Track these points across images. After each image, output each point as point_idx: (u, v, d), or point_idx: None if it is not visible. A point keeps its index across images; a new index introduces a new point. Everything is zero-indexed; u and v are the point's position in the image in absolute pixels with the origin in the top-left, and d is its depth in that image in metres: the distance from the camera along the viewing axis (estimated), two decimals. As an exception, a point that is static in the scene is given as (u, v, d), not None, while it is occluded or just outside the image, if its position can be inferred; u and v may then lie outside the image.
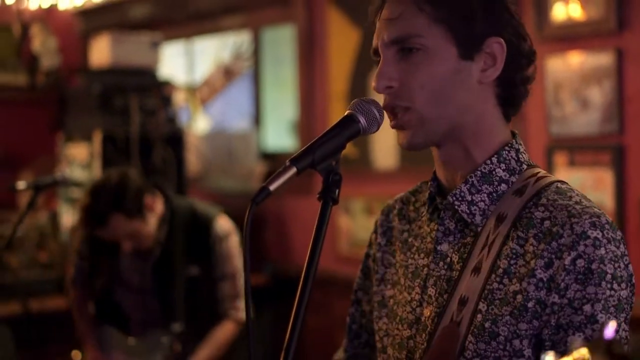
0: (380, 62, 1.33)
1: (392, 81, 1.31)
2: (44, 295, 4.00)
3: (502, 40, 1.31)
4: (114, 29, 4.81)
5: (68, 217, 4.34)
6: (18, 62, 5.18)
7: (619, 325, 1.22)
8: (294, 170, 1.17)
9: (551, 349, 1.22)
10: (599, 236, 1.22)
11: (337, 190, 1.19)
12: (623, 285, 1.23)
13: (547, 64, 3.31)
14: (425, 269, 1.39)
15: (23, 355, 3.35)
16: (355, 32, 4.18)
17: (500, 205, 1.32)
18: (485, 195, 1.33)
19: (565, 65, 3.26)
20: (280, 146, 5.04)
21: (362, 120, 1.26)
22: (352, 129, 1.25)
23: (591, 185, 3.19)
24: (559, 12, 3.27)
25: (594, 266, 1.21)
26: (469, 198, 1.33)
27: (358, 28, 4.17)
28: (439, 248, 1.37)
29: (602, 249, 1.21)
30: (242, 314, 3.08)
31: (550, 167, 3.29)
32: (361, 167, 4.16)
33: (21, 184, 2.83)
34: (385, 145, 4.04)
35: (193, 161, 4.87)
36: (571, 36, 3.25)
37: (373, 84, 1.33)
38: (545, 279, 1.23)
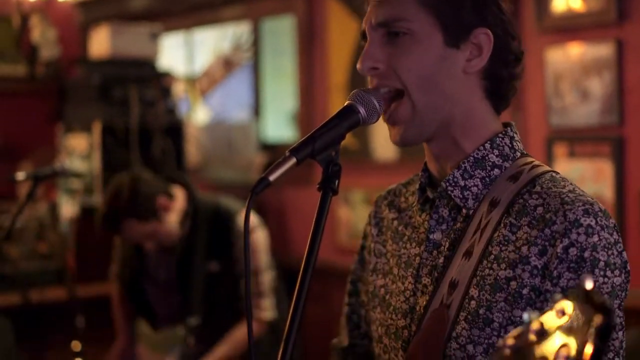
0: (367, 43, 1.34)
1: (378, 62, 1.32)
2: (44, 286, 3.99)
3: (489, 31, 1.32)
4: (114, 19, 4.80)
5: (67, 208, 4.34)
6: (17, 53, 5.16)
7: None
8: (293, 160, 1.17)
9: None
10: (592, 223, 1.22)
11: (336, 181, 1.20)
12: (617, 272, 1.23)
13: (547, 55, 3.30)
14: (418, 258, 1.40)
15: (23, 346, 3.35)
16: (355, 23, 4.17)
17: (493, 190, 1.33)
18: (478, 180, 1.34)
19: (565, 57, 3.26)
20: (280, 137, 5.03)
21: (361, 110, 1.26)
22: (351, 120, 1.25)
23: (591, 176, 3.19)
24: (559, 3, 3.26)
25: (586, 254, 1.21)
26: (462, 183, 1.34)
27: (358, 19, 4.16)
28: (431, 237, 1.37)
29: (595, 236, 1.22)
30: (265, 314, 3.05)
31: (550, 158, 3.29)
32: (361, 158, 4.16)
33: (21, 175, 2.82)
34: (385, 136, 4.00)
35: (193, 152, 4.87)
36: (571, 27, 3.24)
37: (358, 65, 1.33)
38: (539, 266, 1.23)
